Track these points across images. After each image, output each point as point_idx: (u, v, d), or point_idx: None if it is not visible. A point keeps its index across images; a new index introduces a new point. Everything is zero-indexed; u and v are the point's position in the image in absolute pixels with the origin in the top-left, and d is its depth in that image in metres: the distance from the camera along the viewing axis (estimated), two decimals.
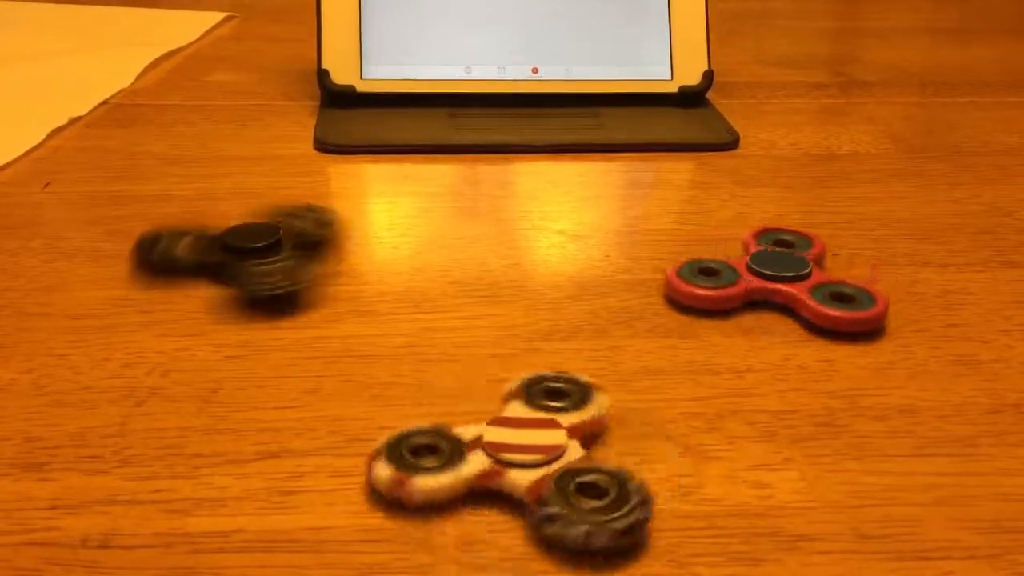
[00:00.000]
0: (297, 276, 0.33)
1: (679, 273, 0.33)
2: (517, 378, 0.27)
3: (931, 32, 0.75)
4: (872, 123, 0.52)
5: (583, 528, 0.22)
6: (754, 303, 0.33)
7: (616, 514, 0.22)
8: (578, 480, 0.23)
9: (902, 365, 0.31)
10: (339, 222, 0.37)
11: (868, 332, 0.32)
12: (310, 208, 0.37)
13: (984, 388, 0.29)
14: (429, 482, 0.23)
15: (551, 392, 0.27)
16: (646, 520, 0.23)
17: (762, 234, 0.37)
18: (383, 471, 0.24)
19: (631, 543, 0.23)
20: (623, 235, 0.39)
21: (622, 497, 0.23)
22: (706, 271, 0.34)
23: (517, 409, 0.26)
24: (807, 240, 0.36)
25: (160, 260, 0.34)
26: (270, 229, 0.35)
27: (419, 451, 0.25)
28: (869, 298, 0.33)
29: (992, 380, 0.30)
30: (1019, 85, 0.60)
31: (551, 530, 0.22)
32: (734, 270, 0.34)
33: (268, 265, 0.33)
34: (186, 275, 0.34)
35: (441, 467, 0.24)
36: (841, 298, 0.33)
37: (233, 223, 0.35)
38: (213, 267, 0.34)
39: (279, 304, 0.33)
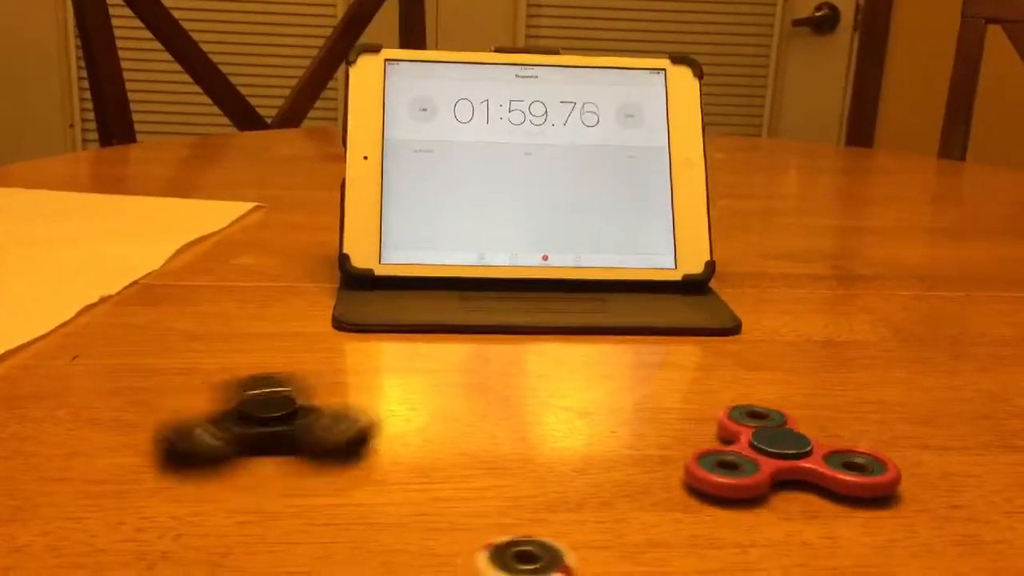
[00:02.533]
0: (357, 423, 0.35)
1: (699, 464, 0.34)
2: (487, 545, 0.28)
3: (928, 231, 0.78)
4: (871, 313, 0.54)
5: None
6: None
7: None
8: None
9: (905, 544, 0.31)
10: (377, 425, 0.37)
11: (886, 497, 0.33)
12: (349, 409, 0.37)
13: (988, 569, 0.30)
14: None
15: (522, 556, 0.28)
16: None
17: (733, 410, 0.38)
18: None
19: None
20: (629, 413, 0.40)
21: None
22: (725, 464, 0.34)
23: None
24: (780, 415, 0.38)
25: (200, 452, 0.34)
26: (285, 400, 0.36)
27: None
28: (880, 465, 0.34)
29: (996, 560, 0.30)
30: (1014, 281, 0.62)
31: None
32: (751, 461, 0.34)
33: (321, 423, 0.35)
34: (223, 462, 0.34)
35: None
36: (854, 467, 0.34)
37: (241, 389, 0.37)
38: (259, 441, 0.35)
39: (354, 452, 0.35)
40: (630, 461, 0.36)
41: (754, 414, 0.38)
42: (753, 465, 0.34)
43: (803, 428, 0.38)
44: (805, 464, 0.34)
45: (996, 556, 0.30)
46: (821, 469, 0.34)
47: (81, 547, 0.29)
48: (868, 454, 0.35)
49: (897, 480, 0.34)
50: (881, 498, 0.33)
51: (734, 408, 0.38)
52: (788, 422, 0.37)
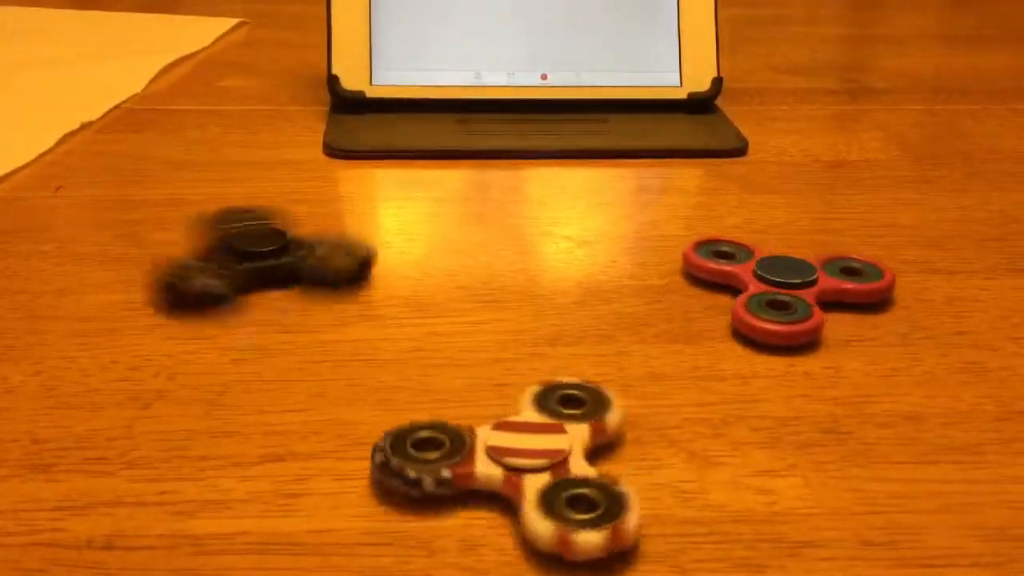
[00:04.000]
0: (355, 252, 0.34)
1: (748, 308, 0.32)
2: (533, 385, 0.27)
3: (945, 39, 0.75)
4: (882, 130, 0.52)
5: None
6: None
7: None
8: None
9: (908, 372, 0.30)
10: (375, 255, 0.36)
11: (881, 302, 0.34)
12: (345, 239, 0.36)
13: (991, 395, 0.29)
14: (593, 538, 0.22)
15: (566, 400, 0.27)
16: None
17: (701, 245, 0.36)
18: (544, 529, 0.22)
19: None
20: (631, 241, 0.39)
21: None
22: (775, 304, 0.32)
23: (528, 415, 0.26)
24: (747, 250, 0.36)
25: (203, 296, 0.33)
26: (276, 233, 0.35)
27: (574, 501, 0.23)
28: (877, 271, 0.34)
29: (999, 388, 0.30)
30: None
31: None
32: (802, 301, 0.32)
33: (318, 258, 0.34)
34: (226, 301, 0.33)
35: (599, 520, 0.23)
36: (851, 272, 0.35)
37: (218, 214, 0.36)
38: (259, 276, 0.34)
39: (355, 281, 0.34)
40: (631, 292, 0.35)
41: (721, 253, 0.36)
42: (804, 304, 0.32)
43: (807, 253, 0.37)
44: (848, 285, 0.34)
45: (999, 383, 0.30)
46: (853, 286, 0.34)
47: (75, 387, 0.29)
48: (864, 260, 0.35)
49: (891, 285, 0.34)
50: (882, 307, 0.34)
51: (700, 245, 0.36)
52: (756, 254, 0.36)
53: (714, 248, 0.36)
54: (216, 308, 0.33)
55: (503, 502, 0.24)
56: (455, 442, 0.25)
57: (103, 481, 0.25)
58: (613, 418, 0.26)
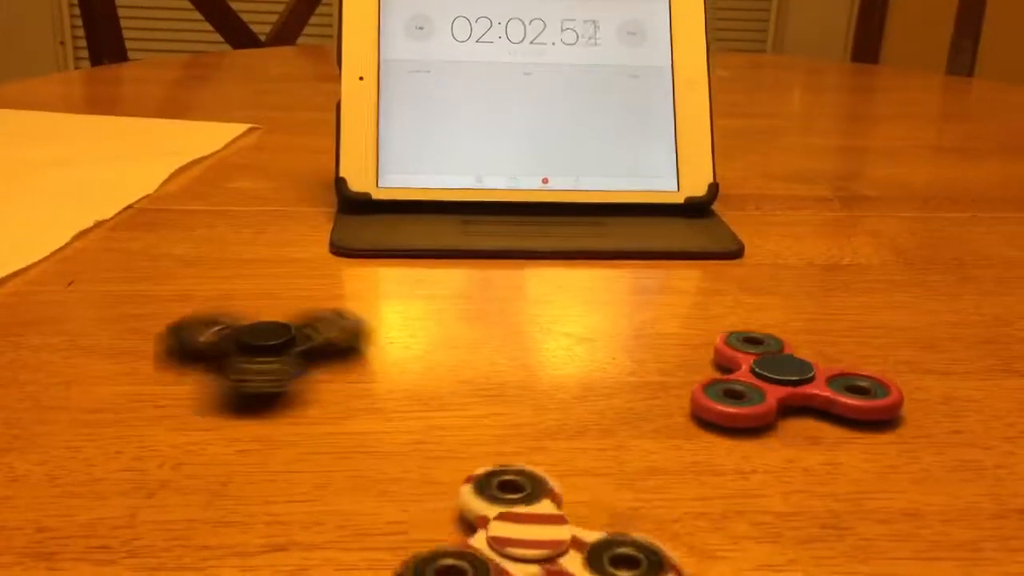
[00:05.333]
0: (281, 378, 0.34)
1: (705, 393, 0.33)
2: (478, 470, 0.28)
3: (933, 150, 0.77)
4: (875, 236, 0.54)
5: None
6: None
7: None
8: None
9: (906, 469, 0.31)
10: (369, 330, 0.38)
11: (890, 420, 0.33)
12: (339, 314, 0.38)
13: (988, 493, 0.30)
14: None
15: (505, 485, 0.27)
16: None
17: (730, 336, 0.38)
18: None
19: None
20: (630, 338, 0.39)
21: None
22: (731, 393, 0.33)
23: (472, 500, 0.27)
24: (777, 340, 0.38)
25: (182, 346, 0.35)
26: (283, 329, 0.36)
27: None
28: (882, 388, 0.34)
29: (996, 486, 0.30)
30: (1021, 201, 0.62)
31: None
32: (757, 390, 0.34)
33: (262, 364, 0.34)
34: (205, 364, 0.35)
35: None
36: (857, 390, 0.34)
37: (258, 320, 0.36)
38: (220, 359, 0.34)
39: (256, 402, 0.33)
40: (630, 388, 0.35)
41: (751, 340, 0.37)
42: (759, 393, 0.33)
43: (805, 353, 0.38)
44: (811, 390, 0.34)
45: (996, 482, 0.30)
46: (826, 394, 0.33)
47: (80, 476, 0.29)
48: (871, 377, 0.35)
49: (900, 403, 0.34)
50: (885, 421, 0.33)
51: (731, 334, 0.38)
52: (785, 347, 0.37)
53: (745, 336, 0.37)
54: (195, 364, 0.35)
55: None
56: (479, 571, 0.24)
57: (105, 570, 0.25)
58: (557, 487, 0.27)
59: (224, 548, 0.26)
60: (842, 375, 0.35)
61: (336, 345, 0.36)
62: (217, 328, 0.36)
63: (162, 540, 0.26)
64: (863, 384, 0.34)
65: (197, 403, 0.33)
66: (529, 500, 0.27)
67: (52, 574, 0.25)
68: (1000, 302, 0.45)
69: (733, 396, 0.33)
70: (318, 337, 0.36)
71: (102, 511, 0.27)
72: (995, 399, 0.35)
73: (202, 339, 0.35)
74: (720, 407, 0.32)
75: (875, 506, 0.29)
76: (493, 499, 0.27)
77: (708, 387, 0.34)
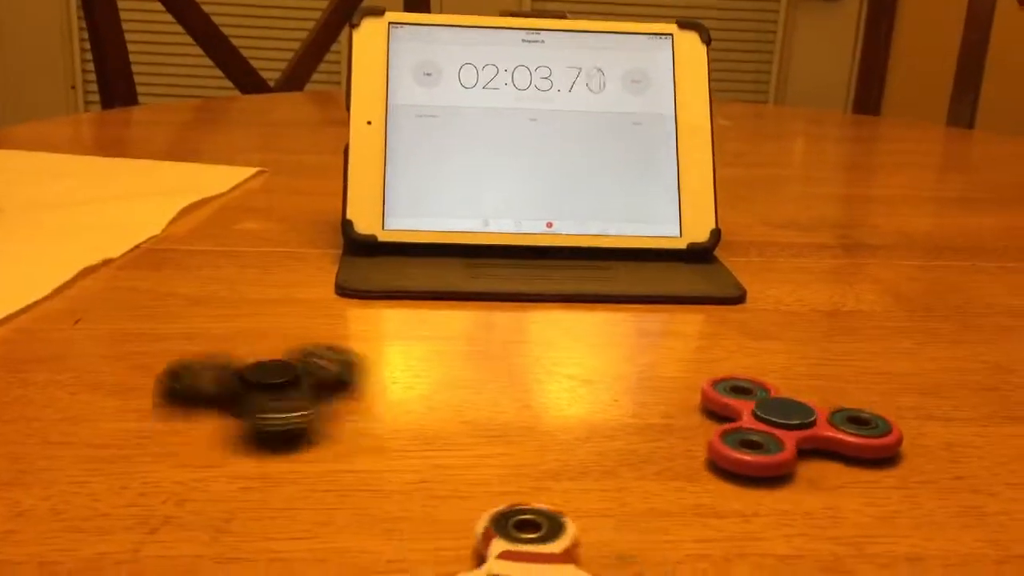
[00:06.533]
0: (304, 415, 0.34)
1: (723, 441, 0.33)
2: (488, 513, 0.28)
3: (935, 200, 0.77)
4: (877, 283, 0.54)
5: None
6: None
7: None
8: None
9: (909, 515, 0.31)
10: (361, 363, 0.38)
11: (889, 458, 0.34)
12: (331, 349, 0.39)
13: (991, 539, 0.30)
14: None
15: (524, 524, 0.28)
16: None
17: (719, 382, 0.38)
18: None
19: None
20: (632, 381, 0.40)
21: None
22: (748, 443, 0.33)
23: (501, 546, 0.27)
24: (763, 387, 0.37)
25: (183, 391, 0.35)
26: (288, 367, 0.36)
27: None
28: (883, 421, 0.35)
29: (998, 531, 0.30)
30: (1021, 251, 0.62)
31: None
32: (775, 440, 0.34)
33: (280, 401, 0.34)
34: (207, 407, 0.35)
35: None
36: (859, 422, 0.35)
37: (258, 360, 0.37)
38: (230, 399, 0.35)
39: (283, 441, 0.33)
40: (633, 430, 0.35)
41: (738, 388, 0.37)
42: (775, 441, 0.33)
43: (807, 398, 0.38)
44: (820, 432, 0.34)
45: (999, 527, 0.30)
46: (838, 436, 0.34)
47: (84, 511, 0.29)
48: (871, 412, 0.35)
49: (900, 440, 0.34)
50: (888, 459, 0.34)
51: (718, 382, 0.37)
52: (772, 392, 0.37)
53: (732, 384, 0.37)
54: (196, 407, 0.35)
55: None
56: None
57: None
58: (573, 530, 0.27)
59: None
60: (840, 409, 0.35)
61: (338, 378, 0.37)
62: (215, 369, 0.36)
63: (165, 575, 0.26)
64: (865, 416, 0.35)
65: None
66: (544, 540, 0.27)
67: None
68: (1001, 349, 0.45)
69: (751, 446, 0.33)
70: (324, 373, 0.37)
71: (106, 546, 0.27)
72: (997, 446, 0.36)
73: (204, 382, 0.35)
74: (742, 456, 0.32)
75: (877, 550, 0.29)
76: (511, 538, 0.27)
77: (725, 436, 0.33)
